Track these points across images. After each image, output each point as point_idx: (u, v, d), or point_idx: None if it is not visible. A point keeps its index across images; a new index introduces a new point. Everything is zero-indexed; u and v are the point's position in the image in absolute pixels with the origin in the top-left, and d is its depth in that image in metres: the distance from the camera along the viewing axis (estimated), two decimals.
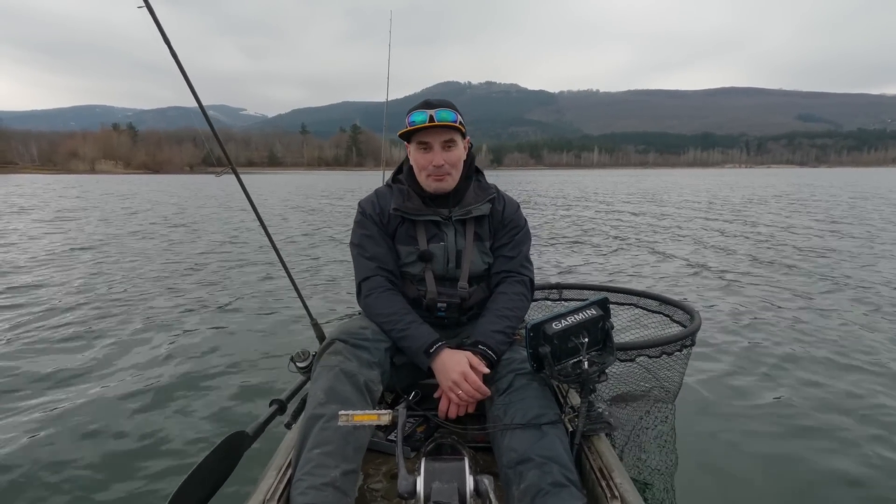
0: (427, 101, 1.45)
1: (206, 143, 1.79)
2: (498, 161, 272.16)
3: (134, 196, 21.71)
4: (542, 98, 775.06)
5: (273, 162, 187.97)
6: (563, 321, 1.20)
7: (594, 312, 1.22)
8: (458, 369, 1.32)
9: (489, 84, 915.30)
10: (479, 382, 1.32)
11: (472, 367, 1.33)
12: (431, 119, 1.41)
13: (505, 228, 1.60)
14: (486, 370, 1.34)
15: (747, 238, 8.00)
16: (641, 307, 1.95)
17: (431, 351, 1.37)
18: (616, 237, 8.37)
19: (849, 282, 4.91)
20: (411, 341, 1.39)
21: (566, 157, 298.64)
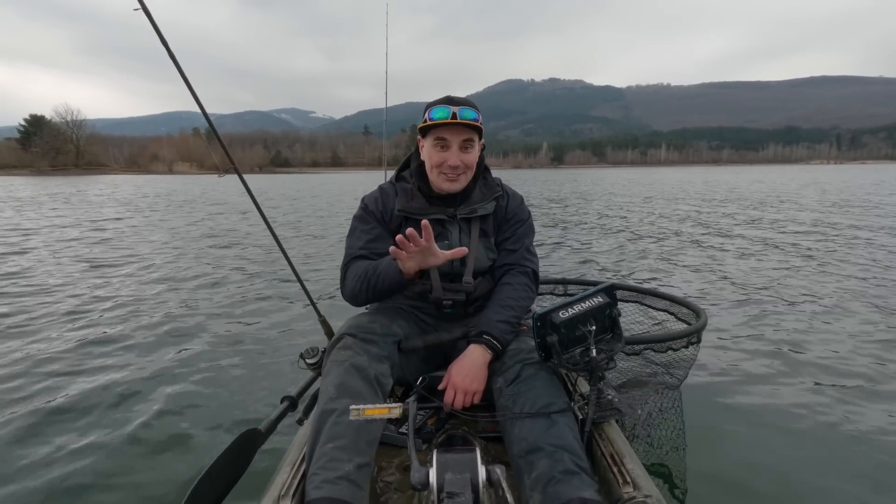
0: (450, 98, 1.45)
1: (209, 145, 1.81)
2: (559, 159, 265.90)
3: (167, 194, 22.51)
4: (608, 94, 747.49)
5: (336, 162, 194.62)
6: (570, 310, 1.21)
7: (601, 300, 1.23)
8: (478, 383, 1.37)
9: (553, 81, 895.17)
10: (480, 395, 1.38)
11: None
12: (454, 116, 1.40)
13: (508, 223, 1.61)
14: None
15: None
16: (647, 304, 1.92)
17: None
18: None
19: None
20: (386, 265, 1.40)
21: (631, 155, 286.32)
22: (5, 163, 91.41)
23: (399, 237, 1.20)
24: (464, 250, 1.32)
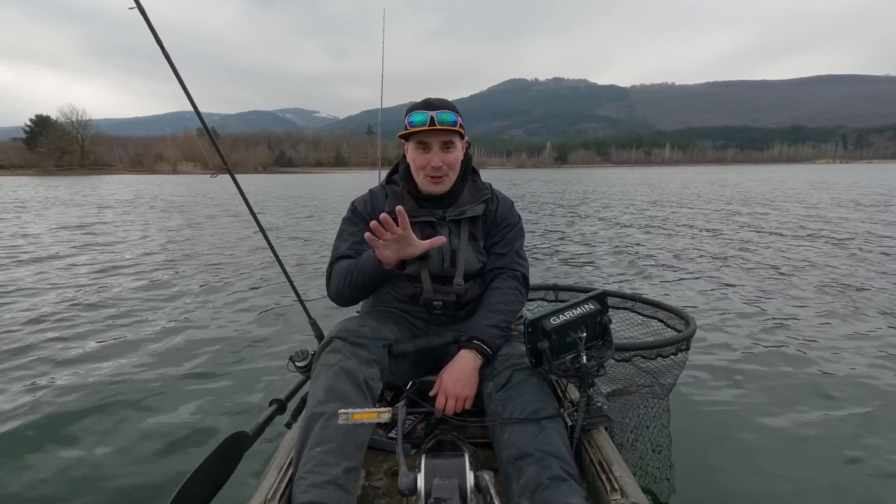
0: (428, 102, 1.46)
1: (204, 146, 1.83)
2: (562, 159, 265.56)
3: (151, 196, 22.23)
4: (612, 93, 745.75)
5: (339, 162, 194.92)
6: (561, 316, 1.21)
7: (592, 307, 1.22)
8: (470, 388, 1.35)
9: (557, 80, 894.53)
10: (471, 401, 1.37)
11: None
12: (432, 121, 1.41)
13: (498, 227, 1.61)
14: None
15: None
16: (637, 312, 1.92)
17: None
18: None
19: None
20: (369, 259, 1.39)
21: (635, 155, 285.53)
22: (11, 163, 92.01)
23: (373, 223, 1.19)
24: (442, 239, 1.33)
